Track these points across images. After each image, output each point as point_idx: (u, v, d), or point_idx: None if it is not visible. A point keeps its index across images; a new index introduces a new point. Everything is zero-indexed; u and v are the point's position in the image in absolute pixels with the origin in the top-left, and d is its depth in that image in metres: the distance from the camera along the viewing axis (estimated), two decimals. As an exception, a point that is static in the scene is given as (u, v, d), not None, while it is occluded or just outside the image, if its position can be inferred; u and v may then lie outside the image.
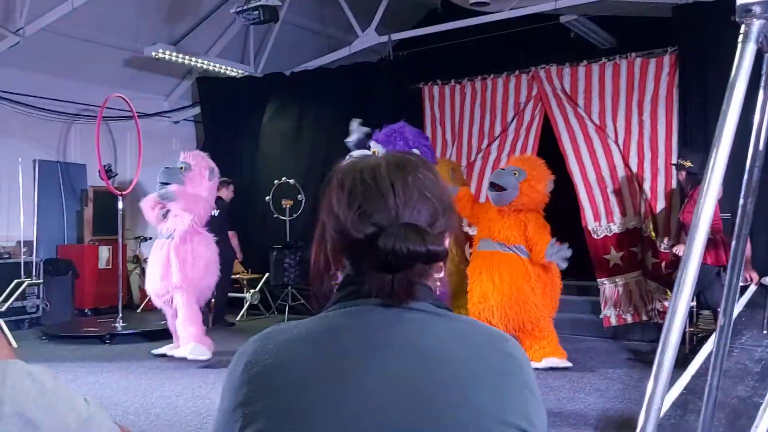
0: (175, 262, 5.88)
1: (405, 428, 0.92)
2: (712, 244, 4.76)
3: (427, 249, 0.97)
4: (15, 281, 7.43)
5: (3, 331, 6.07)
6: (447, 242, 1.05)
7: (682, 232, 5.61)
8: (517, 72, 7.39)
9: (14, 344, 6.40)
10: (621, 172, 6.71)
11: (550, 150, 6.81)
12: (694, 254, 1.15)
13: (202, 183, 6.06)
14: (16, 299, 7.30)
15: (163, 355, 6.16)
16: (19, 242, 8.06)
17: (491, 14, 7.45)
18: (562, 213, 5.90)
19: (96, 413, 1.07)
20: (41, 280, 7.75)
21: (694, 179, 5.30)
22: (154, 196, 6.09)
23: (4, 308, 7.02)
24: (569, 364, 5.30)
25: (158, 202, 6.06)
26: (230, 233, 7.91)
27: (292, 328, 1.03)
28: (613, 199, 6.74)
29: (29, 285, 7.58)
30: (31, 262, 7.82)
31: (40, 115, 8.66)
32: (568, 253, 5.00)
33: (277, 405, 0.95)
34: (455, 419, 0.93)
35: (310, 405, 0.94)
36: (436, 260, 0.99)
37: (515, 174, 5.14)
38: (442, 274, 1.08)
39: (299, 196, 8.86)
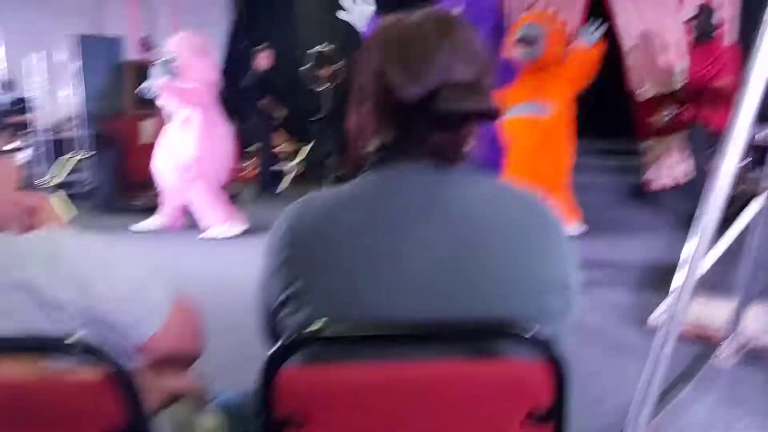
0: (191, 146, 5.85)
1: (446, 287, 0.94)
2: None
3: (487, 107, 0.97)
4: (66, 156, 7.64)
5: (61, 201, 6.31)
6: None
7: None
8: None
9: (75, 211, 6.64)
10: (674, 31, 6.38)
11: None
12: (743, 116, 1.09)
13: (195, 65, 5.84)
14: (68, 174, 7.54)
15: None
16: (67, 118, 8.20)
17: None
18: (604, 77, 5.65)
19: (146, 278, 1.12)
20: (89, 155, 7.94)
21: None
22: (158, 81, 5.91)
23: (58, 182, 7.28)
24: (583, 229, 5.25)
25: (167, 87, 5.87)
26: (265, 101, 7.85)
27: (332, 192, 1.04)
28: (662, 58, 6.48)
29: (80, 160, 7.79)
30: (79, 137, 7.99)
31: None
32: (600, 32, 4.82)
33: (317, 266, 0.98)
34: (495, 278, 0.94)
35: (350, 265, 0.96)
36: (491, 118, 0.99)
37: (539, 25, 4.81)
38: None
39: (338, 63, 8.68)
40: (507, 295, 0.95)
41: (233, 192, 8.16)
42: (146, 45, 7.66)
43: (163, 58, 5.92)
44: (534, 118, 4.78)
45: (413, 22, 1.03)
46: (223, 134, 6.10)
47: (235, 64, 10.23)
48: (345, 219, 0.99)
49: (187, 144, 5.88)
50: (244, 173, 9.65)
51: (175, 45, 5.89)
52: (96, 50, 8.45)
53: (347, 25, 7.69)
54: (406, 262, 0.95)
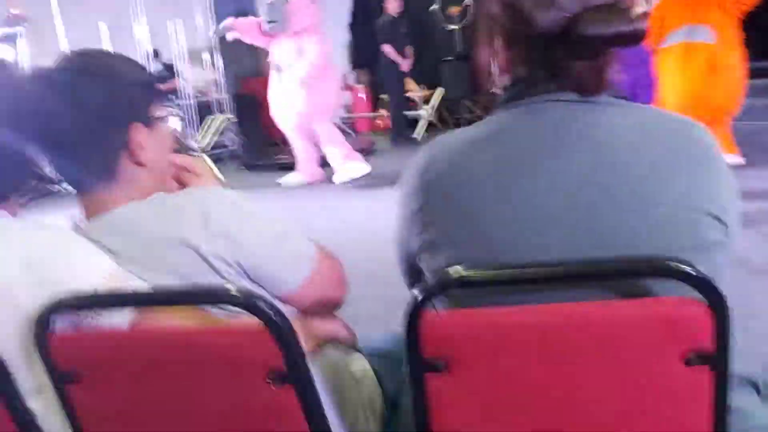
0: (302, 93, 5.89)
1: (591, 223, 0.90)
2: None
3: (635, 28, 0.90)
4: (210, 118, 8.08)
5: (208, 164, 6.72)
6: None
7: None
8: None
9: (221, 177, 7.06)
10: None
11: None
12: None
13: (305, 10, 5.85)
14: (213, 135, 7.97)
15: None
16: (210, 81, 8.64)
17: None
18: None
19: (291, 230, 1.18)
20: (232, 116, 8.34)
21: None
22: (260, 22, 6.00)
23: (204, 144, 7.73)
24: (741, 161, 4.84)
25: (269, 33, 5.98)
26: (386, 47, 7.82)
27: (464, 132, 1.02)
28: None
29: (223, 121, 8.21)
30: (221, 100, 8.40)
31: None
32: None
33: (453, 210, 0.96)
34: (643, 209, 0.89)
35: (487, 207, 0.94)
36: (640, 40, 0.92)
37: None
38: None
39: (466, 1, 8.48)
40: (659, 226, 0.89)
41: (368, 141, 8.31)
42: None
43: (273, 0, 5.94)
44: (699, 44, 4.40)
45: None
46: (329, 75, 6.14)
47: (361, 13, 10.27)
48: (479, 159, 0.96)
49: (295, 90, 5.95)
50: (377, 122, 9.77)
51: None
52: (230, 10, 8.77)
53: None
54: (547, 199, 0.91)
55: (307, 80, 5.87)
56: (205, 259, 1.07)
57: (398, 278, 1.15)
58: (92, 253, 1.05)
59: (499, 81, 1.04)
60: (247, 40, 6.31)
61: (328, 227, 4.83)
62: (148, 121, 1.15)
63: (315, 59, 5.91)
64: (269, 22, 5.90)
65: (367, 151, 7.87)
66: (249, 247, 1.10)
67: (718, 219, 0.91)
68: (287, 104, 6.02)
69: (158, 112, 1.18)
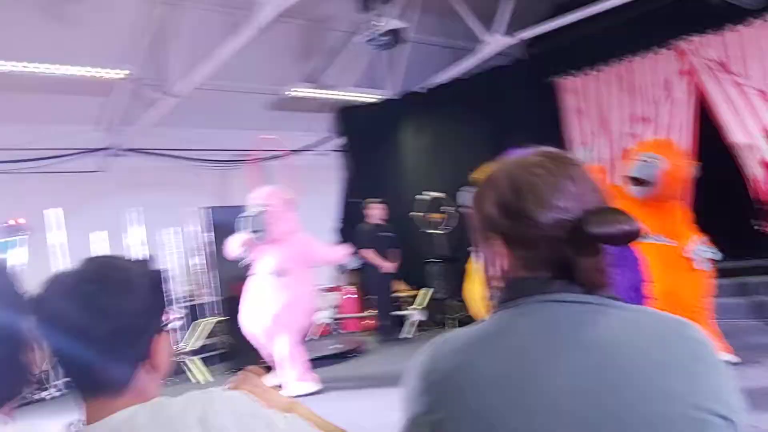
0: (277, 300, 5.96)
1: (596, 421, 0.90)
2: None
3: (637, 228, 0.97)
4: (201, 321, 8.05)
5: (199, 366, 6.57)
6: None
7: None
8: (662, 48, 6.99)
9: (210, 378, 6.90)
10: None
11: (706, 125, 6.37)
12: None
13: (282, 218, 6.11)
14: (204, 338, 7.90)
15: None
16: (200, 285, 8.74)
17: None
18: (723, 187, 5.45)
19: (293, 425, 1.17)
20: (221, 318, 8.33)
21: None
22: (244, 235, 6.19)
23: (197, 347, 7.65)
24: (736, 360, 4.83)
25: (253, 243, 6.15)
26: (366, 252, 8.05)
27: (466, 332, 1.03)
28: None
29: (212, 324, 8.18)
30: (211, 303, 8.44)
31: (202, 166, 9.41)
32: (713, 255, 4.49)
33: (461, 408, 0.95)
34: (647, 409, 0.90)
35: (495, 404, 0.93)
36: (640, 237, 0.99)
37: (655, 161, 4.54)
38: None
39: (449, 208, 8.90)
40: (669, 428, 0.89)
41: (357, 342, 8.26)
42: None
43: (253, 211, 6.16)
44: (663, 246, 4.57)
45: (532, 160, 1.05)
46: (306, 288, 6.22)
47: (348, 220, 10.71)
48: (485, 359, 0.97)
49: (271, 297, 6.01)
50: (365, 322, 9.77)
51: (264, 198, 6.18)
52: (223, 219, 9.11)
53: (453, 174, 7.90)
54: (558, 400, 0.92)
55: (282, 277, 5.98)
56: None
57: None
58: None
59: (502, 278, 1.07)
60: (232, 252, 6.49)
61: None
62: (162, 330, 1.17)
63: (290, 257, 6.08)
64: (254, 231, 6.10)
65: (356, 352, 7.80)
66: None
67: (725, 418, 0.91)
68: (261, 307, 6.08)
69: (166, 316, 1.21)
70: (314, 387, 6.10)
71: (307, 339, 6.57)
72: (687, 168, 4.71)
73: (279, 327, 6.03)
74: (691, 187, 4.73)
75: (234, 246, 6.35)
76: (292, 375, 6.13)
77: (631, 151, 4.94)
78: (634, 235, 0.97)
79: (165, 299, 1.21)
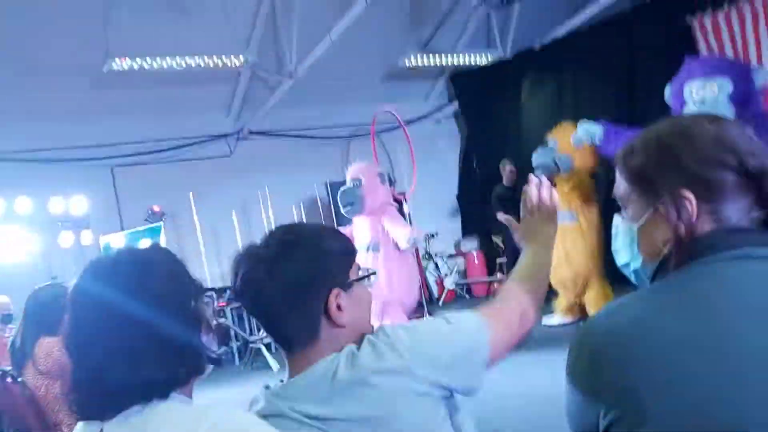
0: (383, 275, 5.89)
1: None
2: None
3: None
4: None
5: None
6: None
7: None
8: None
9: (276, 367, 6.92)
10: None
11: None
12: None
13: (378, 191, 6.07)
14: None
15: None
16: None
17: None
18: None
19: (457, 329, 1.28)
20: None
21: None
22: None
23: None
24: None
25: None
26: (500, 215, 7.90)
27: (639, 299, 0.98)
28: None
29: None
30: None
31: (322, 143, 9.63)
32: None
33: (647, 378, 0.90)
34: None
35: (686, 371, 0.88)
36: None
37: None
38: None
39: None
40: None
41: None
42: (389, 181, 8.29)
43: (350, 184, 6.17)
44: None
45: (690, 119, 1.02)
46: (407, 262, 6.18)
47: (467, 187, 10.63)
48: (669, 326, 0.91)
49: (378, 272, 5.93)
50: (494, 286, 9.72)
51: (358, 172, 6.18)
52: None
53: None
54: (744, 364, 0.86)
55: (376, 252, 5.99)
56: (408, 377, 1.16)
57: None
58: None
59: (668, 240, 1.02)
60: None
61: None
62: (346, 286, 1.25)
63: (382, 230, 6.08)
64: (345, 206, 6.18)
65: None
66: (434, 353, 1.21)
67: None
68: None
69: (355, 275, 1.28)
70: None
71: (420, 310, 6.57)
72: None
73: (380, 305, 5.99)
74: None
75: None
76: None
77: None
78: None
79: (345, 259, 1.28)
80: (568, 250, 6.28)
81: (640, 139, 1.07)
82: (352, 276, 1.28)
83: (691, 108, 3.91)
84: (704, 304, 0.91)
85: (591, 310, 6.37)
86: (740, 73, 3.92)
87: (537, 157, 6.24)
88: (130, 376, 1.11)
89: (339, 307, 1.23)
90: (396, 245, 6.08)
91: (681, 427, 0.87)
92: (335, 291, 1.23)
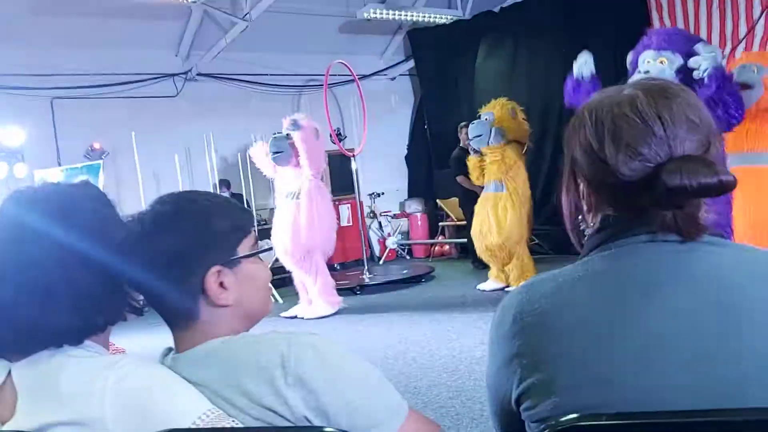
0: (304, 222, 6.16)
1: (701, 363, 0.85)
2: None
3: (719, 180, 0.87)
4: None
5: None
6: None
7: None
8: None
9: (280, 300, 7.12)
10: None
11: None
12: None
13: (310, 144, 6.25)
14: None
15: (295, 317, 6.43)
16: (268, 209, 8.91)
17: None
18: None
19: (380, 389, 1.10)
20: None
21: None
22: (264, 146, 6.50)
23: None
24: None
25: (274, 165, 6.44)
26: (460, 178, 7.95)
27: (556, 276, 1.00)
28: None
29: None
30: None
31: (273, 91, 9.42)
32: None
33: (558, 352, 0.92)
34: (758, 352, 0.85)
35: (594, 347, 0.90)
36: (727, 191, 0.89)
37: (755, 71, 4.42)
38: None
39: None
40: None
41: (425, 267, 8.31)
42: (338, 136, 8.22)
43: (280, 133, 6.40)
44: (757, 168, 4.33)
45: (625, 95, 0.97)
46: (327, 210, 6.41)
47: (418, 145, 10.63)
48: (581, 302, 0.94)
49: (296, 219, 6.21)
50: (436, 248, 9.83)
51: (291, 123, 6.34)
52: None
53: (528, 98, 7.70)
54: (660, 342, 0.87)
55: (306, 208, 6.19)
56: (284, 398, 1.02)
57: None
58: (190, 392, 1.04)
59: (586, 220, 1.03)
60: (258, 165, 6.74)
61: (393, 353, 4.76)
62: (232, 263, 1.13)
63: (312, 189, 6.29)
64: (274, 153, 6.30)
65: (424, 277, 7.88)
66: (327, 401, 1.03)
67: None
68: (288, 233, 6.25)
69: (247, 250, 1.17)
70: (335, 308, 6.34)
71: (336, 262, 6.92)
72: None
73: (300, 249, 6.23)
74: None
75: (258, 160, 6.63)
76: (316, 297, 6.32)
77: (736, 61, 4.62)
78: (718, 189, 0.88)
79: (232, 233, 1.16)
80: (498, 219, 6.53)
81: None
82: (242, 252, 1.15)
83: (636, 77, 3.98)
84: (617, 284, 0.93)
85: (513, 279, 6.57)
86: (694, 50, 3.98)
87: (473, 129, 6.61)
88: (42, 316, 1.07)
89: (222, 285, 1.11)
90: (319, 195, 6.26)
91: (583, 402, 0.88)
92: (215, 268, 1.11)
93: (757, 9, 6.55)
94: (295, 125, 6.24)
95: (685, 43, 4.05)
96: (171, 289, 1.10)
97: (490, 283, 6.85)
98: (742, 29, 6.63)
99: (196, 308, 1.11)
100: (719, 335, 0.86)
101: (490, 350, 1.03)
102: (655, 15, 7.34)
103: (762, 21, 6.50)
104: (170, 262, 1.09)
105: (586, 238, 1.03)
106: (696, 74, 3.82)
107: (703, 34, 6.88)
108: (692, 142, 0.92)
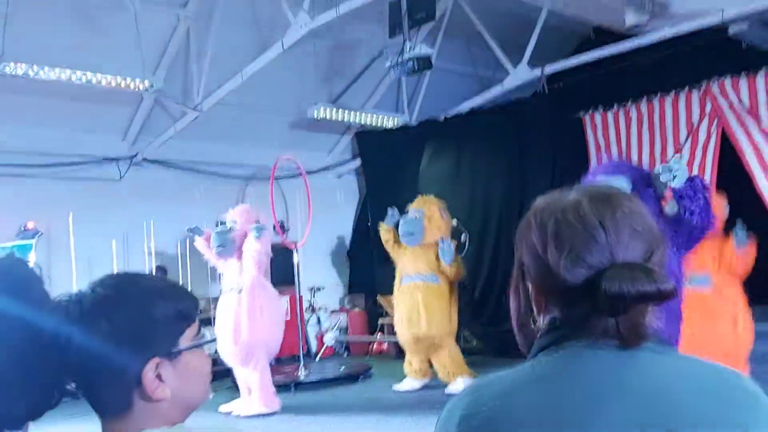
0: (245, 318, 6.05)
1: None
2: None
3: (658, 288, 0.89)
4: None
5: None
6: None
7: None
8: (686, 89, 7.02)
9: (211, 394, 6.83)
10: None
11: (729, 169, 6.35)
12: None
13: (261, 249, 6.28)
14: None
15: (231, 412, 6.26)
16: (207, 299, 8.70)
17: (650, 34, 7.15)
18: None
19: None
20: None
21: None
22: (206, 236, 6.46)
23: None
24: None
25: (217, 258, 6.41)
26: None
27: (504, 378, 0.99)
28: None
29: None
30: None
31: (220, 181, 9.43)
32: None
33: None
34: None
35: None
36: (666, 299, 0.91)
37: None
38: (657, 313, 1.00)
39: (462, 236, 8.85)
40: None
41: (363, 366, 8.18)
42: (282, 228, 8.23)
43: (222, 228, 6.36)
44: (694, 292, 4.49)
45: (569, 200, 0.99)
46: (271, 306, 6.30)
47: (361, 243, 10.70)
48: (528, 407, 0.93)
49: (237, 314, 6.09)
50: (374, 346, 9.72)
51: (236, 214, 6.37)
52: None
53: (470, 203, 7.92)
54: None
55: (248, 303, 6.07)
56: None
57: None
58: None
59: (534, 323, 1.04)
60: (204, 253, 6.64)
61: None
62: (172, 355, 1.08)
63: (254, 284, 6.21)
64: (217, 247, 6.27)
65: (362, 375, 7.74)
66: None
67: None
68: (230, 328, 6.10)
69: (190, 341, 1.11)
70: (273, 410, 6.13)
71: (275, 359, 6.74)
72: (721, 207, 4.70)
73: (241, 344, 6.07)
74: (721, 226, 4.69)
75: (204, 251, 6.55)
76: (255, 395, 6.14)
77: None
78: (657, 297, 0.90)
79: (175, 324, 1.09)
80: (426, 308, 6.60)
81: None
82: (184, 343, 1.09)
83: None
84: (563, 391, 0.93)
85: (441, 372, 6.52)
86: (641, 176, 4.22)
87: (404, 226, 6.89)
88: None
89: (160, 378, 1.05)
90: (263, 289, 6.18)
91: None
92: (155, 360, 1.05)
93: (683, 132, 7.03)
94: (260, 232, 6.22)
95: (631, 171, 4.29)
96: (104, 379, 1.04)
97: (407, 383, 6.82)
98: (670, 151, 7.08)
99: (130, 400, 1.05)
100: None
101: None
102: (590, 132, 7.79)
103: (688, 144, 6.96)
104: (107, 350, 1.02)
105: (537, 339, 1.03)
106: (666, 177, 3.88)
107: (634, 153, 7.33)
108: (635, 250, 0.94)
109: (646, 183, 4.00)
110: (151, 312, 1.06)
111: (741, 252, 4.65)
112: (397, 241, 7.02)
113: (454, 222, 7.79)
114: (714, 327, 4.49)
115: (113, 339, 1.02)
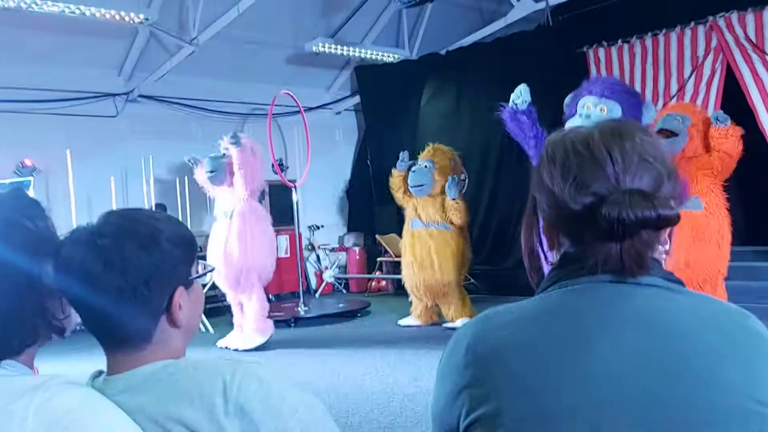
0: (236, 243, 6.07)
1: (648, 403, 0.87)
2: None
3: (657, 214, 0.91)
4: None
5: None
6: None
7: None
8: (692, 24, 6.85)
9: (211, 331, 6.95)
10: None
11: (733, 105, 6.24)
12: None
13: (247, 164, 6.20)
14: (210, 288, 7.93)
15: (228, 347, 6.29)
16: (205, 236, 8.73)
17: (658, -35, 6.95)
18: (754, 174, 5.37)
19: (320, 419, 1.10)
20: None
21: None
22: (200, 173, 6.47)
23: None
24: None
25: (209, 184, 6.40)
26: None
27: (512, 309, 1.01)
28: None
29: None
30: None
31: (216, 117, 9.32)
32: None
33: (508, 384, 0.93)
34: (703, 396, 0.87)
35: (543, 382, 0.91)
36: (666, 225, 0.93)
37: (679, 120, 4.55)
38: (668, 246, 1.01)
39: (462, 174, 8.81)
40: (716, 417, 0.86)
41: (361, 302, 8.28)
42: (281, 166, 8.20)
43: (216, 153, 6.32)
44: (687, 213, 4.49)
45: (581, 132, 1.01)
46: (262, 232, 6.29)
47: (359, 182, 10.67)
48: (534, 337, 0.95)
49: (228, 240, 6.11)
50: (372, 283, 9.82)
51: (227, 143, 6.26)
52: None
53: (469, 140, 7.87)
54: (609, 381, 0.89)
55: (237, 229, 6.08)
56: (221, 429, 1.00)
57: None
58: (120, 417, 1.00)
59: (549, 256, 1.05)
60: (199, 181, 6.66)
61: (325, 386, 4.69)
62: (188, 283, 1.13)
63: (245, 210, 6.19)
64: (209, 172, 6.27)
65: (360, 312, 7.84)
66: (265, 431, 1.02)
67: None
68: (220, 253, 6.12)
69: (195, 271, 1.16)
70: (267, 336, 6.20)
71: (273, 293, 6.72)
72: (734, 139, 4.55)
73: (232, 269, 6.09)
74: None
75: (201, 181, 6.55)
76: (249, 320, 6.19)
77: (661, 111, 4.88)
78: (658, 223, 0.91)
79: (189, 253, 1.14)
80: (438, 255, 6.61)
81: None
82: (193, 272, 1.14)
83: (576, 120, 4.10)
84: (570, 321, 0.94)
85: (448, 314, 6.63)
86: (633, 104, 4.15)
87: (413, 178, 6.82)
88: None
89: (180, 307, 1.10)
90: (254, 213, 6.18)
91: None
92: (180, 289, 1.10)
93: (687, 68, 6.91)
94: (236, 140, 6.15)
95: (627, 97, 4.22)
96: (134, 310, 1.05)
97: (410, 319, 6.94)
98: (674, 87, 6.97)
99: (154, 329, 1.08)
100: (669, 379, 0.87)
101: (440, 379, 1.03)
102: (593, 67, 7.65)
103: (692, 80, 6.85)
104: (142, 283, 1.04)
105: (548, 274, 1.04)
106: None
107: (637, 89, 7.20)
108: (641, 179, 0.95)
109: (636, 111, 3.99)
110: (167, 239, 1.09)
111: (718, 134, 4.46)
112: (407, 191, 6.96)
113: (463, 176, 7.68)
114: (702, 249, 4.47)
115: (143, 271, 1.05)
